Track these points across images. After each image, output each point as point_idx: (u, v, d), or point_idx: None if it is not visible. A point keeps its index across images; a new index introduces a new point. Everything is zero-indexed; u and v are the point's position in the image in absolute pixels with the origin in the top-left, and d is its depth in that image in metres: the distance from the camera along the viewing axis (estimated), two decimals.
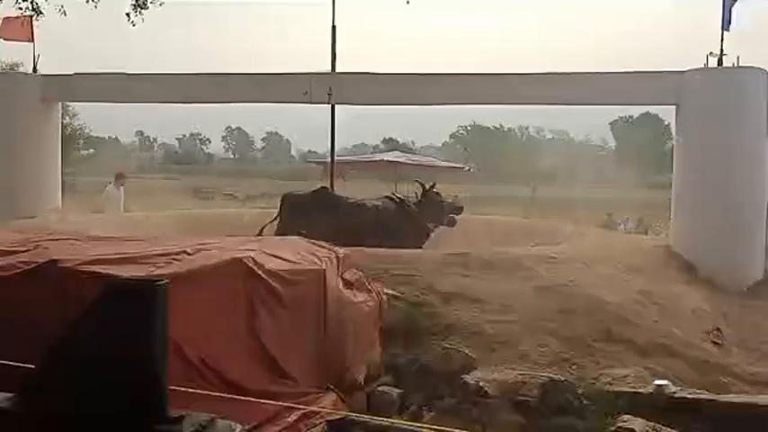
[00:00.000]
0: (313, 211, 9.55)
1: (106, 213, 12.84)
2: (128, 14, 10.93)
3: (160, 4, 11.22)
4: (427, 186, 10.97)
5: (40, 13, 10.87)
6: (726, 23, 9.43)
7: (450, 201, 11.40)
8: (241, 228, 10.25)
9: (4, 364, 2.37)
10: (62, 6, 10.77)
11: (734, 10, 9.43)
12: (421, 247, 9.99)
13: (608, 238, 12.04)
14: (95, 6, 11.00)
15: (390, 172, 29.62)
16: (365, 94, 11.01)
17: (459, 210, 11.20)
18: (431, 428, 5.07)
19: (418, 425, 5.13)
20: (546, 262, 8.29)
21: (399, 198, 10.92)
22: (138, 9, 10.84)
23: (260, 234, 9.16)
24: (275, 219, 10.00)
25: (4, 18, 11.55)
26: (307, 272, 5.52)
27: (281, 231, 9.34)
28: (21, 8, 10.93)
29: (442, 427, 4.46)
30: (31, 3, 10.75)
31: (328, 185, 11.21)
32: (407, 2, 13.03)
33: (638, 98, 11.01)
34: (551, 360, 6.40)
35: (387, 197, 10.87)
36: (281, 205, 10.22)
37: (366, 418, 4.85)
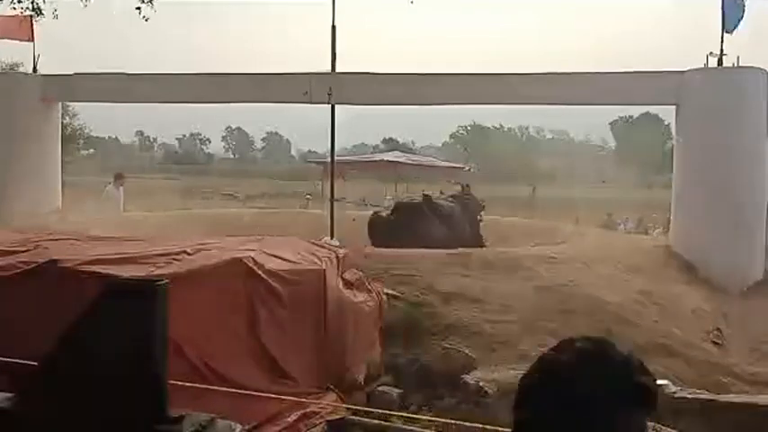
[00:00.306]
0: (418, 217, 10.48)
1: (106, 213, 12.83)
2: (138, 8, 10.85)
3: None
4: (465, 187, 11.61)
5: (40, 13, 10.83)
6: (728, 24, 9.41)
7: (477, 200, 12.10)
8: (241, 228, 10.26)
9: (5, 364, 2.37)
10: (55, 10, 10.73)
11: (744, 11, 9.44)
12: (484, 245, 10.60)
13: (608, 238, 12.04)
14: (85, 5, 10.93)
15: (390, 172, 29.64)
16: (365, 94, 11.01)
17: (483, 208, 11.97)
18: (431, 429, 5.07)
19: (418, 425, 5.13)
20: (546, 262, 8.29)
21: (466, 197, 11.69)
22: (149, 1, 10.76)
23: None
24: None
25: (3, 17, 11.52)
26: (307, 272, 5.53)
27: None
28: (22, 8, 10.88)
29: (441, 419, 4.46)
30: (32, 2, 10.71)
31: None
32: (411, 1, 13.01)
33: (638, 98, 11.01)
34: None
35: (451, 197, 11.81)
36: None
37: (366, 418, 4.85)
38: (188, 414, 1.46)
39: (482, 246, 10.47)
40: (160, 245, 5.52)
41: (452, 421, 3.73)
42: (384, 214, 11.28)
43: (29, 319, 4.21)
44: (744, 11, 9.51)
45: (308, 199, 24.85)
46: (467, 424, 3.67)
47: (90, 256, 4.79)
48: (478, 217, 11.58)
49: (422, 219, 10.57)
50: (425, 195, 11.66)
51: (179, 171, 52.50)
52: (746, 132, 9.27)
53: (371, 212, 11.67)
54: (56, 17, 10.80)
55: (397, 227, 10.41)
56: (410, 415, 5.15)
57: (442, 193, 12.38)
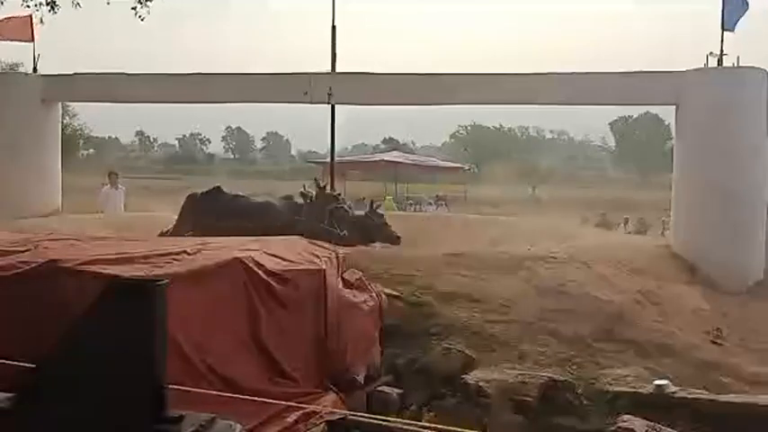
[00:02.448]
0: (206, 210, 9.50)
1: (106, 213, 12.83)
2: (134, 8, 10.86)
3: None
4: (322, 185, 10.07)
5: (56, 4, 10.73)
6: (728, 24, 9.42)
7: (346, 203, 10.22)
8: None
9: (5, 364, 2.37)
10: (75, 1, 10.67)
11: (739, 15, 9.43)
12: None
13: (608, 237, 12.04)
14: (77, 5, 10.86)
15: (390, 172, 29.67)
16: (365, 94, 11.00)
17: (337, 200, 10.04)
18: (431, 428, 5.07)
19: (419, 424, 5.13)
20: (546, 262, 8.28)
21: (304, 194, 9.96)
22: (145, 2, 10.76)
23: (162, 235, 9.23)
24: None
25: (4, 18, 11.52)
26: (307, 272, 5.53)
27: (176, 231, 9.34)
28: (35, 5, 10.83)
29: (442, 426, 4.46)
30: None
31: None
32: None
33: (638, 98, 10.99)
34: (551, 360, 6.39)
35: (286, 197, 10.24)
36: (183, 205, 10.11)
37: (366, 417, 4.85)
38: (188, 414, 1.46)
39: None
40: (160, 245, 5.52)
41: (453, 429, 3.73)
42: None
43: (29, 319, 4.21)
44: (747, 4, 9.49)
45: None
46: (466, 430, 3.67)
47: (90, 256, 4.79)
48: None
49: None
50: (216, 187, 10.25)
51: (179, 171, 52.51)
52: (746, 132, 9.27)
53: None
54: (78, 5, 10.69)
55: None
56: (408, 421, 5.14)
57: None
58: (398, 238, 9.83)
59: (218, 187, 10.11)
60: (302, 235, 7.17)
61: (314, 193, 9.79)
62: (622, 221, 20.97)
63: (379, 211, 10.20)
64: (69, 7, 10.76)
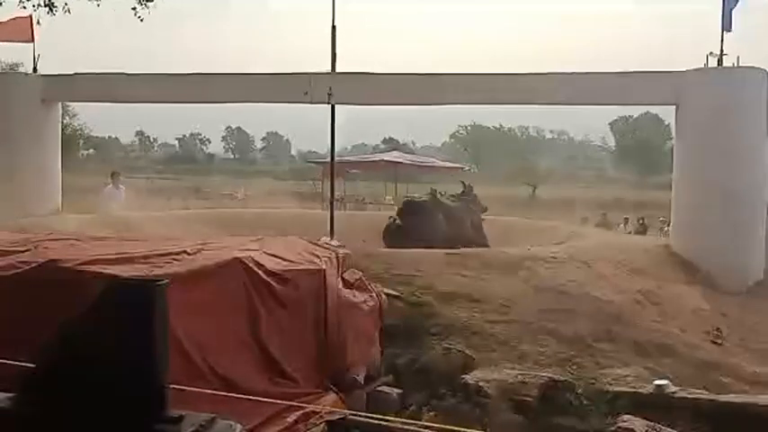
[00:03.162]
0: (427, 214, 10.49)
1: (106, 213, 12.83)
2: (134, 9, 10.85)
3: None
4: (466, 186, 11.47)
5: (54, 6, 10.73)
6: (727, 24, 9.42)
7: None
8: (241, 228, 10.25)
9: (5, 364, 2.37)
10: (66, 4, 10.66)
11: (734, 11, 9.43)
12: (487, 245, 10.52)
13: (608, 237, 12.04)
14: (68, 11, 10.85)
15: (390, 172, 29.66)
16: (365, 94, 11.01)
17: (485, 209, 11.88)
18: (431, 428, 5.07)
19: (419, 423, 5.13)
20: (546, 262, 8.29)
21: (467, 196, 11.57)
22: (144, 3, 10.75)
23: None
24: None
25: (4, 21, 11.52)
26: (307, 272, 5.53)
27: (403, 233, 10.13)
28: (33, 6, 10.82)
29: (442, 426, 4.46)
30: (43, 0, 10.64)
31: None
32: None
33: (638, 98, 11.01)
34: (551, 360, 6.40)
35: (452, 196, 11.70)
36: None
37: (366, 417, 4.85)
38: (188, 414, 1.45)
39: (486, 245, 10.44)
40: (160, 245, 5.52)
41: (450, 428, 3.73)
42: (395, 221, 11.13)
43: (28, 319, 4.21)
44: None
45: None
46: (463, 430, 3.66)
47: (90, 256, 4.79)
48: (481, 216, 11.49)
49: (428, 218, 10.58)
50: (432, 192, 11.63)
51: (179, 171, 52.51)
52: (746, 132, 9.27)
53: (388, 218, 11.48)
54: (68, 11, 10.71)
55: (405, 228, 10.44)
56: (408, 421, 5.14)
57: (442, 194, 12.27)
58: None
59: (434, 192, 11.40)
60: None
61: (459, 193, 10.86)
62: (622, 221, 20.95)
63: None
64: (67, 9, 10.72)
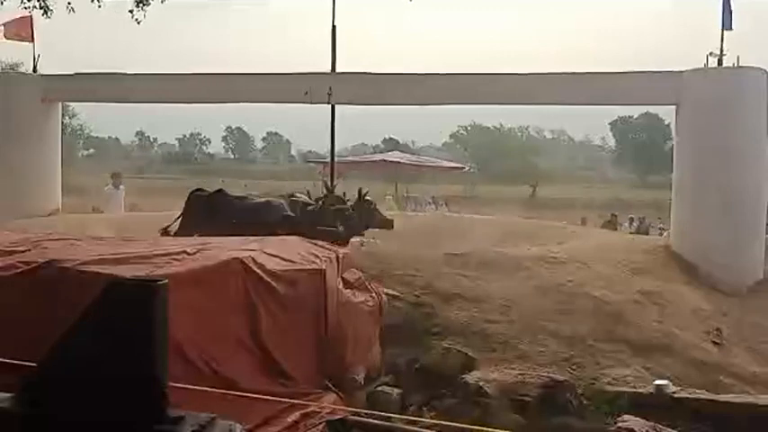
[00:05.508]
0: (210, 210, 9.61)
1: (106, 213, 12.84)
2: (131, 11, 10.86)
3: (162, 1, 11.16)
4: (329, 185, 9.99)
5: (49, 9, 10.75)
6: (727, 23, 9.42)
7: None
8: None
9: (5, 364, 2.37)
10: (69, 3, 10.66)
11: (734, 9, 9.44)
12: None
13: (608, 237, 12.04)
14: (72, 11, 10.84)
15: (390, 172, 29.64)
16: (365, 94, 11.00)
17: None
18: (431, 428, 5.07)
19: (419, 423, 5.13)
20: (546, 262, 8.29)
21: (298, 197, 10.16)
22: (141, 5, 10.77)
23: (164, 232, 9.24)
24: (178, 218, 9.99)
25: (5, 21, 11.54)
26: (307, 272, 5.52)
27: (183, 230, 9.36)
28: (26, 7, 10.84)
29: (442, 422, 4.47)
30: (39, 2, 10.65)
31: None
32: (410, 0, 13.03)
33: (638, 98, 11.00)
34: (551, 360, 6.40)
35: (289, 195, 9.92)
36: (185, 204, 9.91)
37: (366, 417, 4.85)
38: (188, 414, 1.46)
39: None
40: (160, 245, 5.52)
41: (452, 423, 3.73)
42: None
43: (28, 319, 4.21)
44: None
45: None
46: (467, 426, 3.67)
47: (90, 256, 4.79)
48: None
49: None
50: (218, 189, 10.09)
51: (179, 171, 52.53)
52: (746, 132, 9.27)
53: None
54: (72, 10, 10.69)
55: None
56: (409, 418, 5.15)
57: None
58: (391, 221, 9.68)
59: (221, 190, 10.17)
60: (302, 235, 7.19)
61: (320, 194, 9.89)
62: (627, 221, 21.05)
63: (367, 198, 10.10)
64: (64, 11, 10.73)
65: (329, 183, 10.24)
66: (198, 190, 10.08)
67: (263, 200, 10.13)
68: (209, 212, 9.51)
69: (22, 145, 11.47)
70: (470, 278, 7.71)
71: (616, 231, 16.68)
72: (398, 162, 28.12)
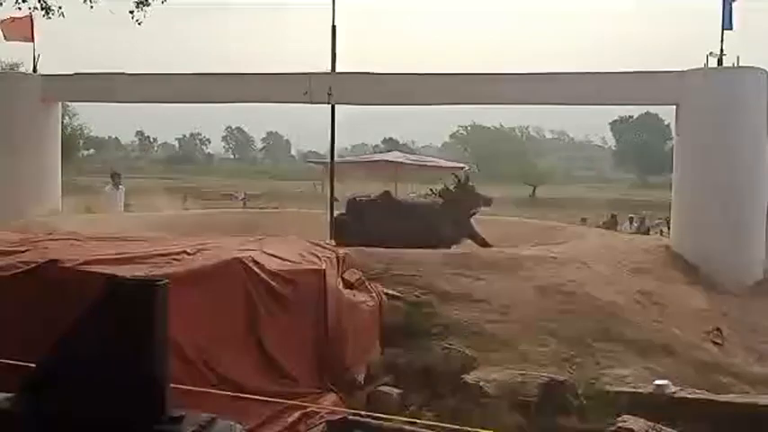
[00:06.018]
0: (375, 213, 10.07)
1: (106, 213, 12.84)
2: (131, 12, 10.87)
3: (162, 2, 11.16)
4: (460, 182, 10.93)
5: (50, 9, 10.76)
6: (727, 23, 9.42)
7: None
8: (241, 228, 10.25)
9: (4, 364, 2.37)
10: (60, 7, 10.70)
11: (734, 9, 9.43)
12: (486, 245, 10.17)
13: (608, 237, 12.03)
14: (62, 15, 10.87)
15: (390, 172, 29.65)
16: (365, 94, 11.00)
17: (487, 203, 11.04)
18: (431, 429, 5.07)
19: (419, 423, 5.13)
20: (546, 262, 8.29)
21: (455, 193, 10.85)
22: (141, 6, 10.78)
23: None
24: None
25: (6, 21, 11.53)
26: (307, 272, 5.53)
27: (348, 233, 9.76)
28: (29, 8, 10.84)
29: (442, 425, 4.46)
30: (40, 2, 10.66)
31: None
32: None
33: (638, 98, 11.00)
34: (551, 360, 6.40)
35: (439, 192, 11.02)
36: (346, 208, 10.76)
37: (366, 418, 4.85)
38: (188, 414, 1.45)
39: (485, 245, 9.95)
40: (160, 245, 5.52)
41: (452, 426, 3.73)
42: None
43: (29, 319, 4.21)
44: None
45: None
46: (467, 429, 3.67)
47: (90, 256, 4.79)
48: (474, 211, 10.66)
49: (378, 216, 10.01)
50: (385, 192, 11.10)
51: (179, 171, 52.56)
52: (746, 132, 9.27)
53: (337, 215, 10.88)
54: (62, 15, 10.74)
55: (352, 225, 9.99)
56: (408, 419, 5.14)
57: (432, 190, 11.29)
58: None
59: (387, 192, 10.91)
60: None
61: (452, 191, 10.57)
62: (627, 221, 21.10)
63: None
64: (65, 11, 10.74)
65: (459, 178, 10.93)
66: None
67: (424, 201, 10.69)
68: (382, 216, 9.88)
69: (22, 145, 11.46)
70: (470, 278, 7.70)
71: (616, 231, 16.69)
72: (399, 162, 28.12)
